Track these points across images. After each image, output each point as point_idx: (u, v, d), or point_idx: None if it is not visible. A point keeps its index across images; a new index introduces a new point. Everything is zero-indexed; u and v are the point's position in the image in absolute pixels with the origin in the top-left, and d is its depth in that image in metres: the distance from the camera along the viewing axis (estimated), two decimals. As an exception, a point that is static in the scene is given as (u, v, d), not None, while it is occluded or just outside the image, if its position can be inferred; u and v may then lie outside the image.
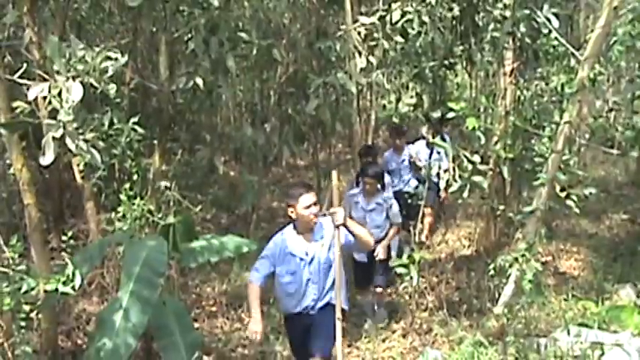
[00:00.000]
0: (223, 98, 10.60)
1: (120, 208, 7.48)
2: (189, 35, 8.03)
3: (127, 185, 7.61)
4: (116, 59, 4.58)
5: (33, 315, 6.44)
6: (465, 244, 10.79)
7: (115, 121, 7.85)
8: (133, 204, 7.46)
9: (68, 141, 4.62)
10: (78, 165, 8.49)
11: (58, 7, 8.22)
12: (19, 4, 6.98)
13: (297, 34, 9.48)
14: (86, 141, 4.95)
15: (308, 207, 5.98)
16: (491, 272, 7.29)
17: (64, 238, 7.18)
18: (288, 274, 6.14)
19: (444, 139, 9.71)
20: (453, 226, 11.52)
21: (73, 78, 4.52)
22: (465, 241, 10.90)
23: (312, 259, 6.12)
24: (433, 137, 9.93)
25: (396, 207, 8.33)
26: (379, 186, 8.19)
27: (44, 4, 8.02)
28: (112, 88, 4.61)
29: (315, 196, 6.05)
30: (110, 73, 4.61)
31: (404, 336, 8.19)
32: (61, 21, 8.14)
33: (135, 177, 7.90)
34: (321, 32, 8.98)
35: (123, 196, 7.48)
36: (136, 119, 7.76)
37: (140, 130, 7.76)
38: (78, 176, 8.70)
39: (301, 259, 6.11)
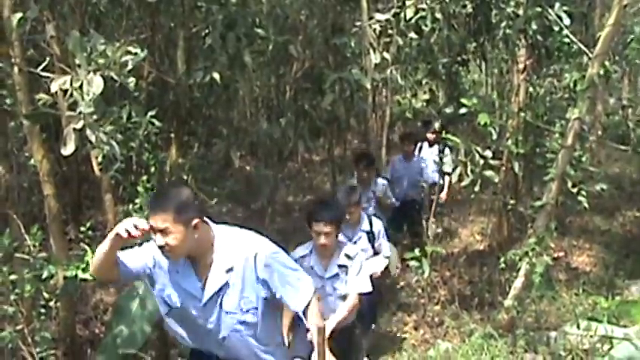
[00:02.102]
0: (240, 93, 10.76)
1: (137, 200, 7.65)
2: (207, 31, 8.14)
3: (144, 178, 7.78)
4: (136, 54, 4.72)
5: (52, 304, 6.61)
6: (478, 239, 10.91)
7: (133, 114, 7.99)
8: (150, 196, 7.61)
9: (89, 132, 4.78)
10: (96, 157, 8.63)
11: (77, 2, 8.36)
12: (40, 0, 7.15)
13: (314, 30, 9.59)
14: (105, 133, 5.12)
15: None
16: (502, 266, 7.43)
17: (82, 228, 7.37)
18: None
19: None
20: (466, 221, 11.63)
21: (94, 71, 4.67)
22: (478, 236, 11.02)
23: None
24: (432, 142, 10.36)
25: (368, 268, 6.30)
26: (338, 235, 5.88)
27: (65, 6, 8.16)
28: (132, 82, 4.76)
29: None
30: (130, 67, 4.76)
31: (416, 328, 8.33)
32: (80, 16, 8.31)
33: (152, 170, 8.06)
34: (337, 28, 9.08)
35: (140, 189, 7.65)
36: (153, 113, 7.89)
37: (157, 123, 7.89)
38: (96, 168, 8.84)
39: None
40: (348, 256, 5.80)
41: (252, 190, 12.37)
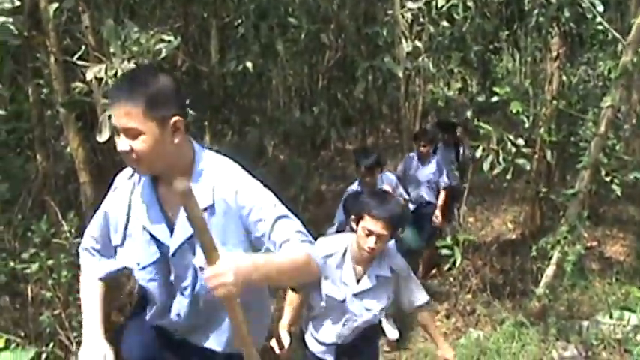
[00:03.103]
0: (273, 82, 10.81)
1: (174, 186, 7.72)
2: (240, 20, 8.20)
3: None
4: (169, 41, 4.78)
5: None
6: (511, 228, 10.87)
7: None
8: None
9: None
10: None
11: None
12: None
13: (346, 19, 9.59)
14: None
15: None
16: (534, 254, 7.43)
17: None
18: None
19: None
20: (499, 210, 11.59)
21: (128, 60, 4.74)
22: (511, 224, 10.97)
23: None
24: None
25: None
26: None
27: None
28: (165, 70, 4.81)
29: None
30: (163, 54, 4.82)
31: (447, 317, 8.31)
32: (114, 6, 8.39)
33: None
34: (370, 17, 9.10)
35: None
36: (187, 101, 7.96)
37: (191, 112, 7.97)
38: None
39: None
40: (392, 270, 4.56)
41: (285, 178, 12.41)
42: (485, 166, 7.25)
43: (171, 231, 2.91)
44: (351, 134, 14.07)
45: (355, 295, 4.53)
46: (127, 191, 3.01)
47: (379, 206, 4.34)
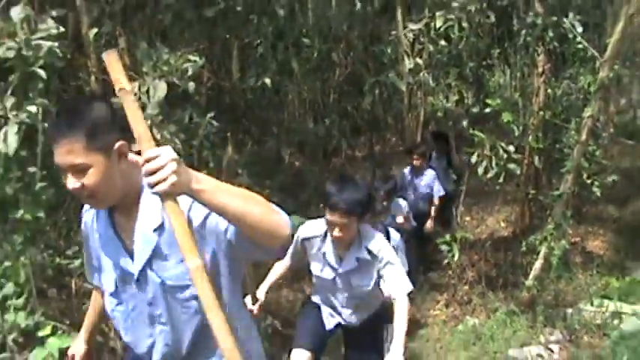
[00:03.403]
0: (289, 96, 10.85)
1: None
2: (259, 41, 8.24)
3: (204, 172, 7.88)
4: (195, 61, 4.83)
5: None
6: (503, 226, 10.86)
7: (194, 116, 8.12)
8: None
9: (155, 131, 4.89)
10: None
11: (145, 18, 8.50)
12: (114, 17, 7.29)
13: (355, 39, 9.63)
14: (171, 133, 5.24)
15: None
16: (524, 250, 7.47)
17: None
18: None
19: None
20: (493, 210, 11.57)
21: (159, 77, 4.78)
22: (503, 223, 10.96)
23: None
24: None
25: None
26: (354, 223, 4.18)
27: (134, 16, 8.29)
28: (192, 86, 4.86)
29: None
30: (190, 73, 4.86)
31: (447, 306, 8.33)
32: (148, 30, 8.44)
33: (211, 165, 8.18)
34: (375, 37, 9.13)
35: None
36: (212, 114, 8.00)
37: (215, 123, 8.00)
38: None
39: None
40: (370, 252, 4.23)
41: (300, 183, 12.43)
42: (480, 170, 7.29)
43: (132, 257, 2.53)
44: (359, 143, 14.09)
45: (340, 275, 4.32)
46: (89, 223, 2.69)
47: (336, 195, 3.98)
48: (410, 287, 4.22)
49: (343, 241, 4.20)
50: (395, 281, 4.19)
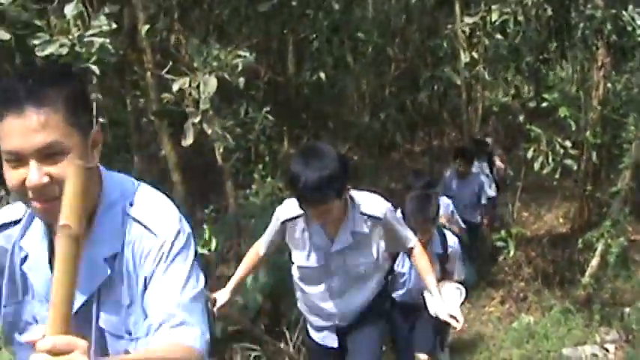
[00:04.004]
0: (345, 90, 10.84)
1: (254, 186, 7.85)
2: (314, 36, 8.26)
3: (260, 166, 7.97)
4: (245, 57, 4.85)
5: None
6: (562, 223, 10.69)
7: (250, 110, 8.21)
8: (265, 182, 7.81)
9: (205, 126, 4.95)
10: (219, 149, 8.88)
11: (202, 14, 8.61)
12: (170, 13, 7.41)
13: (411, 33, 9.56)
14: (225, 127, 5.29)
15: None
16: (580, 247, 7.36)
17: (206, 211, 7.59)
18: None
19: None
20: (552, 206, 11.40)
21: (209, 73, 4.83)
22: (562, 220, 10.80)
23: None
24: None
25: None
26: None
27: (191, 12, 8.40)
28: (242, 82, 4.89)
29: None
30: (240, 68, 4.89)
31: (502, 303, 8.23)
32: (204, 26, 8.56)
33: (267, 159, 8.25)
34: (432, 31, 9.06)
35: (256, 176, 7.85)
36: (267, 109, 8.06)
37: (271, 118, 8.07)
38: (219, 158, 9.09)
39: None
40: (369, 216, 3.62)
41: (357, 176, 12.43)
42: (536, 166, 7.19)
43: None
44: (418, 137, 14.02)
45: (332, 255, 3.68)
46: (13, 238, 1.93)
47: (300, 179, 3.27)
48: (415, 238, 4.00)
49: (330, 222, 3.60)
50: (402, 235, 3.88)
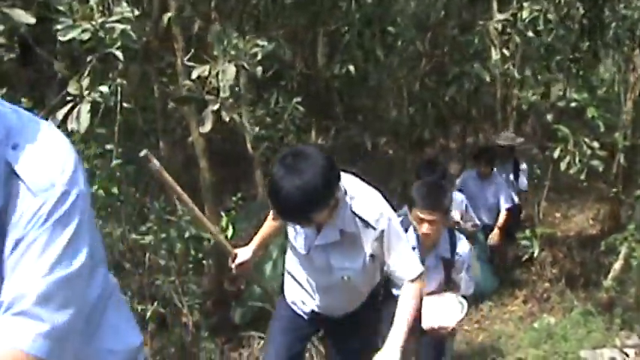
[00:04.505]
0: (378, 84, 10.82)
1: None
2: (346, 28, 8.28)
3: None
4: (263, 46, 4.91)
5: (205, 262, 6.91)
6: (592, 224, 10.61)
7: (280, 100, 8.28)
8: (292, 172, 7.86)
9: (224, 114, 5.02)
10: (249, 137, 8.98)
11: (238, 3, 8.68)
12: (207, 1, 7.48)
13: (445, 29, 9.50)
14: (255, 116, 5.35)
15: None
16: (602, 249, 7.31)
17: (233, 199, 7.67)
18: None
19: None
20: (584, 207, 11.30)
21: (229, 61, 4.90)
22: (592, 221, 10.71)
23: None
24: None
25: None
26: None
27: (226, 1, 8.45)
28: (259, 71, 4.95)
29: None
30: (259, 57, 4.95)
31: (525, 302, 8.22)
32: (239, 15, 8.63)
33: (294, 148, 8.30)
34: (466, 27, 9.00)
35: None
36: (298, 99, 8.12)
37: (301, 109, 8.13)
38: (249, 147, 9.18)
39: None
40: (361, 219, 3.30)
41: (391, 171, 12.41)
42: (562, 166, 7.15)
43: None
44: (454, 133, 13.95)
45: (316, 249, 3.42)
46: None
47: (277, 197, 3.04)
48: (420, 269, 3.43)
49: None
50: (400, 260, 3.38)
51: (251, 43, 4.84)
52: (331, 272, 3.46)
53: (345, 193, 3.27)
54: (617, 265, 7.20)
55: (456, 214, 6.08)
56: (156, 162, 3.29)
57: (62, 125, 4.65)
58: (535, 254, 7.63)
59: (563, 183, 10.38)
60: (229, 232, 5.97)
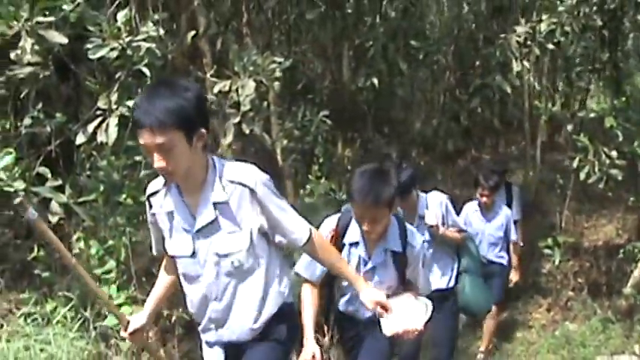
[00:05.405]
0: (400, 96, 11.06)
1: (308, 186, 8.20)
2: (370, 43, 8.55)
3: (316, 167, 8.32)
4: (280, 62, 5.22)
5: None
6: (619, 234, 10.69)
7: (307, 114, 8.57)
8: (320, 183, 8.14)
9: (244, 126, 5.33)
10: (279, 149, 9.26)
11: (268, 19, 9.01)
12: (237, 17, 7.81)
13: (467, 41, 9.72)
14: (286, 130, 5.61)
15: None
16: (621, 257, 7.44)
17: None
18: None
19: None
20: (613, 218, 11.38)
21: (249, 77, 5.22)
22: (621, 231, 10.79)
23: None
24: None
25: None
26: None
27: (257, 16, 8.77)
28: (277, 86, 5.25)
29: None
30: (278, 74, 5.25)
31: (548, 310, 8.37)
32: (268, 31, 8.97)
33: (322, 160, 8.59)
34: (487, 40, 9.21)
35: (311, 176, 8.20)
36: (326, 112, 8.39)
37: (329, 122, 8.40)
38: (279, 158, 9.47)
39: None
40: (221, 204, 3.02)
41: (422, 182, 12.58)
42: (582, 175, 7.30)
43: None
44: (487, 145, 14.12)
45: (198, 237, 3.05)
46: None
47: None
48: (308, 225, 3.18)
49: (189, 188, 3.05)
50: (288, 221, 3.13)
51: (269, 60, 5.14)
52: (219, 265, 3.07)
53: (213, 163, 3.01)
54: (637, 273, 7.34)
55: (431, 218, 5.08)
56: (33, 211, 2.98)
57: (92, 138, 5.02)
58: (556, 262, 7.79)
59: (594, 193, 10.47)
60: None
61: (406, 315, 3.67)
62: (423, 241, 4.33)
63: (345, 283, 3.85)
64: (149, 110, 2.70)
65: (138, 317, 3.40)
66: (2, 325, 5.48)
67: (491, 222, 6.93)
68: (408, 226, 4.01)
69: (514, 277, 7.23)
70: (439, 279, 5.36)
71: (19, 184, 4.62)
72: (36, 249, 5.56)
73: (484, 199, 6.75)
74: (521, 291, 8.69)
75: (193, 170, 2.90)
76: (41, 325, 5.41)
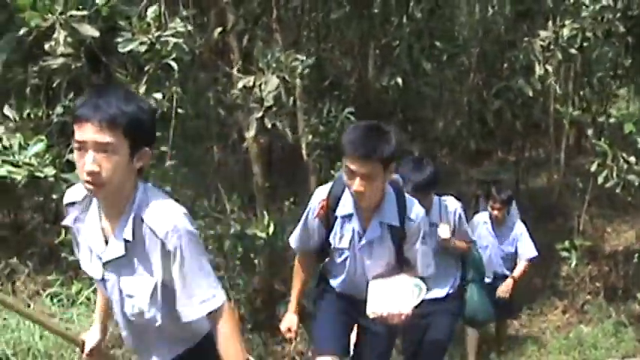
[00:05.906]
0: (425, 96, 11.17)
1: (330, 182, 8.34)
2: (396, 42, 8.71)
3: (339, 163, 8.47)
4: (302, 60, 5.40)
5: (256, 262, 7.36)
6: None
7: (333, 110, 8.73)
8: (341, 179, 8.30)
9: (266, 120, 5.53)
10: (304, 145, 9.42)
11: (297, 16, 9.20)
12: (266, 14, 8.01)
13: (491, 44, 9.81)
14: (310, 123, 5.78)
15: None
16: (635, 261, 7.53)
17: (286, 202, 8.13)
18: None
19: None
20: (635, 223, 11.42)
21: (272, 73, 5.41)
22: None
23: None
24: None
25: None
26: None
27: (285, 13, 8.96)
28: (299, 83, 5.45)
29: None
30: (300, 70, 5.44)
31: (564, 312, 8.48)
32: (297, 28, 9.16)
33: (345, 157, 8.73)
34: (511, 43, 9.30)
35: (335, 172, 8.36)
36: (351, 109, 8.54)
37: (353, 118, 8.55)
38: (304, 154, 9.62)
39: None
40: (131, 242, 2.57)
41: (446, 182, 12.68)
42: (600, 180, 7.39)
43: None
44: (513, 147, 14.17)
45: (107, 267, 2.64)
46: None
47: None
48: (221, 299, 2.58)
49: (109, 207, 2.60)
50: (192, 289, 2.57)
51: (292, 57, 5.33)
52: (123, 304, 2.70)
53: (144, 190, 2.56)
54: (649, 277, 7.44)
55: (444, 230, 4.80)
56: None
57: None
58: (573, 264, 7.89)
59: (617, 199, 10.51)
60: (270, 229, 6.39)
61: (394, 297, 3.45)
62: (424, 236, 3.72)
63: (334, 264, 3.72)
64: (101, 106, 2.37)
65: (91, 334, 3.19)
66: (30, 305, 5.73)
67: (501, 237, 6.79)
68: (408, 197, 3.60)
69: (505, 288, 6.71)
70: (440, 289, 4.94)
71: (49, 171, 4.85)
72: (63, 233, 5.76)
73: (495, 212, 6.66)
74: (538, 292, 8.83)
75: (120, 192, 2.50)
76: (66, 305, 5.67)
